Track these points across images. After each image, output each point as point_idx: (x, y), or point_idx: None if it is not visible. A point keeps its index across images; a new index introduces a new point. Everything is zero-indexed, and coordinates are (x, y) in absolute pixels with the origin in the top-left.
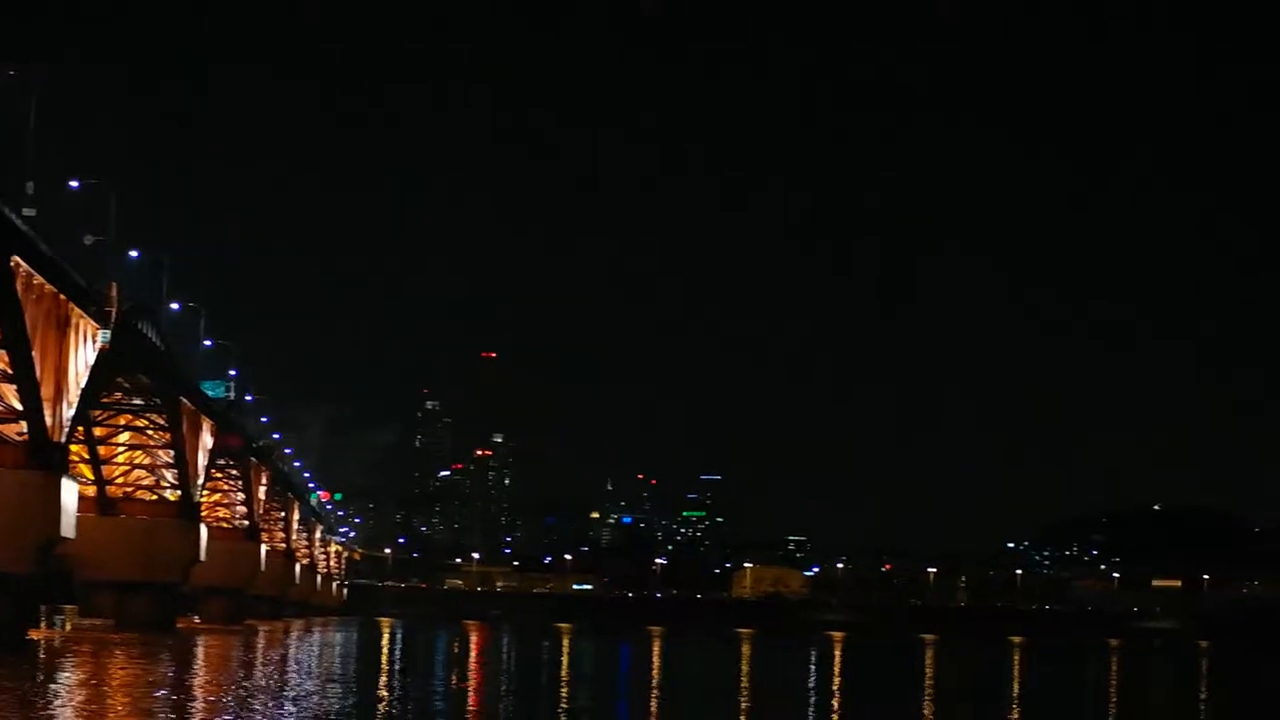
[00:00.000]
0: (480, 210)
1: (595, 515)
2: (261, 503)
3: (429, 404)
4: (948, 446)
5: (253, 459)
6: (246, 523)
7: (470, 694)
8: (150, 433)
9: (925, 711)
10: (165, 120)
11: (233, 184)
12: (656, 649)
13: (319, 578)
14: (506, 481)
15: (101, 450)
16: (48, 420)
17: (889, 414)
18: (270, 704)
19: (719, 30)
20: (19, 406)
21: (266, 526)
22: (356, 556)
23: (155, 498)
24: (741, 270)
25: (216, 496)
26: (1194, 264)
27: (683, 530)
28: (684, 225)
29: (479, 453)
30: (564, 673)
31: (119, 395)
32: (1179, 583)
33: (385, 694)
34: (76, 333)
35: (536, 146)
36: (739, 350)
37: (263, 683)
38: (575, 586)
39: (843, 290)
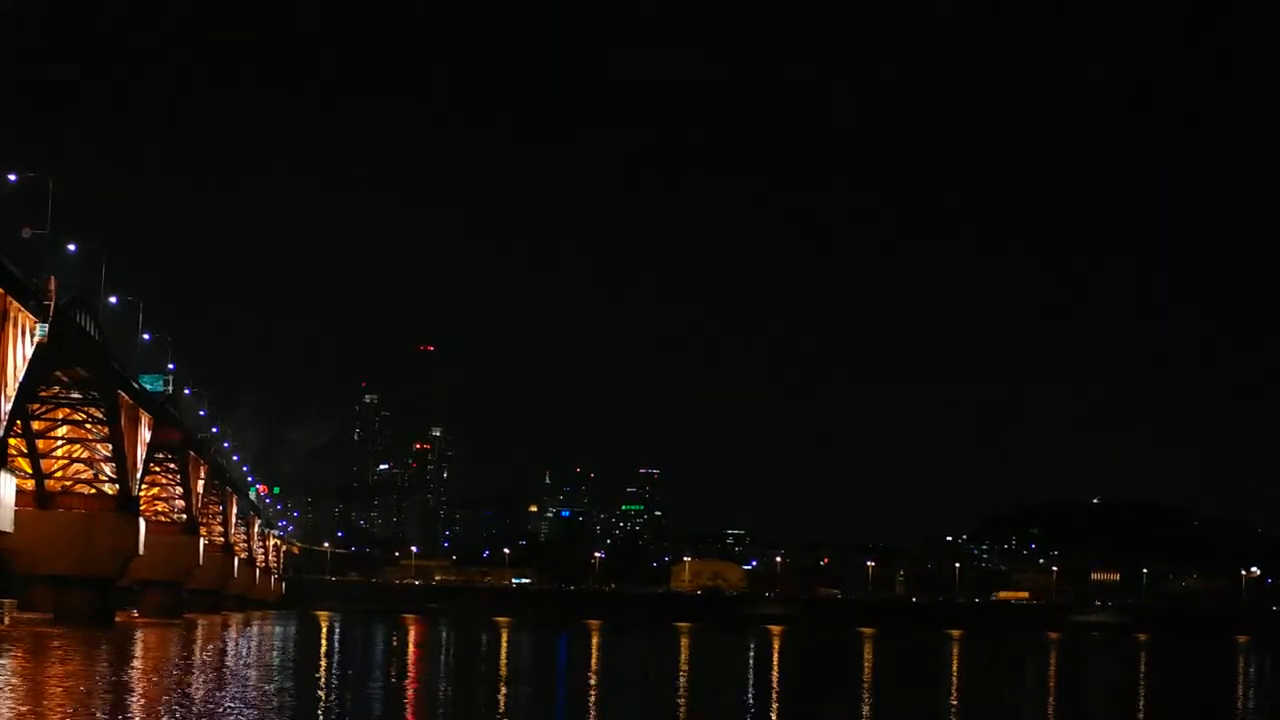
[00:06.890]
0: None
1: (534, 509)
2: (200, 496)
3: (367, 397)
4: (884, 440)
5: (191, 452)
6: (185, 516)
7: (408, 687)
8: (89, 426)
9: (863, 708)
10: (102, 111)
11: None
12: (595, 643)
13: (257, 571)
14: (445, 475)
15: (40, 444)
16: None
17: (825, 408)
18: (211, 696)
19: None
20: None
21: (205, 520)
22: (295, 550)
23: (94, 491)
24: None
25: (155, 490)
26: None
27: (621, 524)
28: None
29: (417, 446)
30: (502, 667)
31: (57, 389)
32: (1117, 576)
33: (324, 686)
34: (14, 326)
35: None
36: (674, 343)
37: (202, 676)
38: (514, 580)
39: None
